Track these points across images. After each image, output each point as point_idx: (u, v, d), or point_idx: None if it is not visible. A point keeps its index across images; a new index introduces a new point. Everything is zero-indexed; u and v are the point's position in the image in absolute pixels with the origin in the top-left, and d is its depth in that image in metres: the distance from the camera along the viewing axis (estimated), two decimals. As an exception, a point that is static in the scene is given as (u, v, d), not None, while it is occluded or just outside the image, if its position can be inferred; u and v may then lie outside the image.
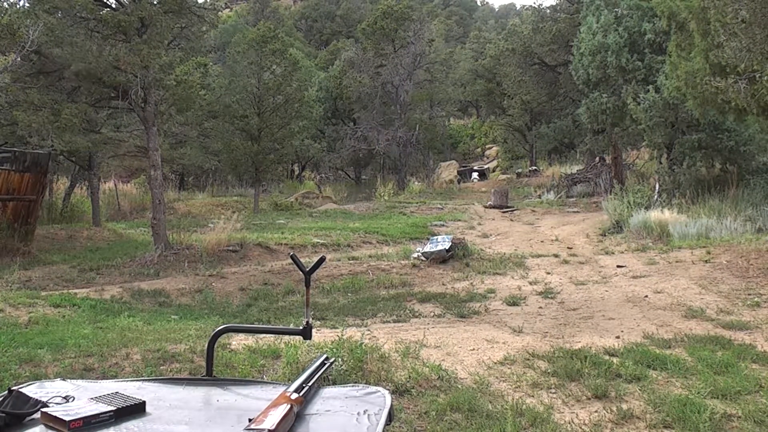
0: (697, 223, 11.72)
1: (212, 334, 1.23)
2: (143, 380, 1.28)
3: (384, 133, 29.10)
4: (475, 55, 40.89)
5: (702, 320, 6.66)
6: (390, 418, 1.08)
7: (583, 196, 21.33)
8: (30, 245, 12.50)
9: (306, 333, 1.20)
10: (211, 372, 1.24)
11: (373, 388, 1.18)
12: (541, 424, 3.98)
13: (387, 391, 1.14)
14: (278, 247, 12.27)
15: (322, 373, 1.23)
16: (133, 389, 1.29)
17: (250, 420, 0.93)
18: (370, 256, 11.38)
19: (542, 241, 13.41)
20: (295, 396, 1.09)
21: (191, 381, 1.18)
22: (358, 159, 32.36)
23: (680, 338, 5.96)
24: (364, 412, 1.05)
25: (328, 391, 1.19)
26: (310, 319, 1.20)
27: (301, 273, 1.35)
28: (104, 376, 4.78)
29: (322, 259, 1.27)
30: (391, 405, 1.11)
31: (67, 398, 1.34)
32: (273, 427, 0.91)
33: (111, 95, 12.51)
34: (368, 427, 1.01)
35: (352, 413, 1.06)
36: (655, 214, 12.76)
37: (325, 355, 1.29)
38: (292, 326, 1.26)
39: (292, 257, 1.23)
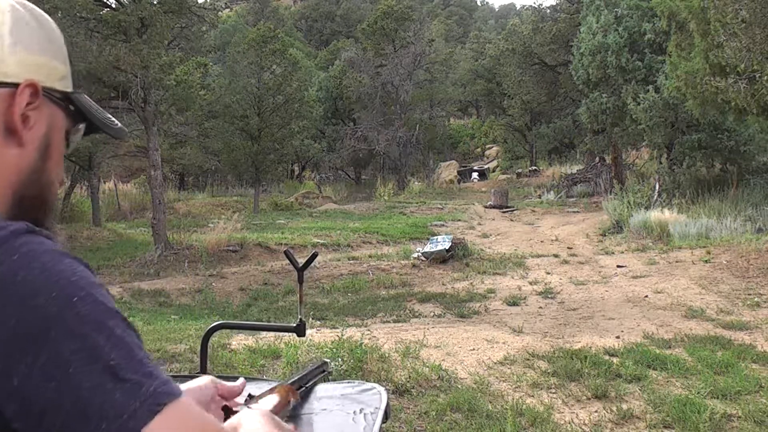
0: (697, 223, 11.71)
1: (206, 330, 1.22)
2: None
3: (384, 133, 29.09)
4: (475, 55, 40.90)
5: (702, 320, 6.66)
6: (386, 415, 1.07)
7: (583, 196, 21.32)
8: (30, 245, 12.48)
9: (300, 330, 1.18)
10: (205, 369, 1.23)
11: (368, 385, 1.17)
12: (541, 424, 3.97)
13: (383, 388, 1.13)
14: (278, 247, 12.27)
15: (319, 378, 1.22)
16: None
17: (250, 397, 0.92)
18: (370, 256, 11.38)
19: (542, 241, 13.41)
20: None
21: (186, 378, 1.17)
22: (358, 159, 32.35)
23: (680, 338, 5.95)
24: (360, 410, 1.05)
25: (323, 389, 1.19)
26: (303, 316, 1.19)
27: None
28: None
29: (314, 255, 1.25)
30: (388, 402, 1.10)
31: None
32: (272, 408, 0.91)
33: (111, 95, 12.52)
34: (365, 426, 1.01)
35: (348, 412, 1.05)
36: (655, 214, 12.76)
37: (325, 360, 1.27)
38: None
39: (285, 253, 1.21)
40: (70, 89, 0.77)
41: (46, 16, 0.77)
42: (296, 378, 1.08)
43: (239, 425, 0.75)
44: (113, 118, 0.84)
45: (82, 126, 0.79)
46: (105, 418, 0.55)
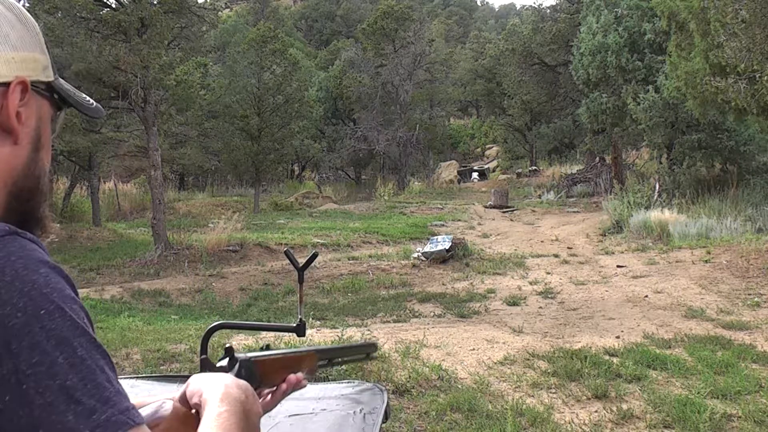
0: (697, 223, 11.71)
1: (206, 330, 1.23)
2: (136, 377, 1.27)
3: (384, 133, 29.08)
4: (475, 55, 40.87)
5: (702, 320, 6.66)
6: (386, 415, 1.07)
7: (583, 196, 21.32)
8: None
9: (300, 330, 1.18)
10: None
11: (368, 385, 1.16)
12: (541, 424, 3.97)
13: (383, 388, 1.13)
14: (278, 247, 12.27)
15: (359, 358, 1.13)
16: (127, 387, 1.28)
17: (267, 347, 0.92)
18: (370, 256, 11.37)
19: (542, 241, 13.41)
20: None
21: (185, 378, 1.16)
22: (358, 159, 32.34)
23: (680, 338, 5.95)
24: (360, 410, 1.05)
25: (322, 389, 1.18)
26: (303, 316, 1.18)
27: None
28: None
29: (314, 255, 1.24)
30: (387, 402, 1.10)
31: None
32: (269, 365, 0.89)
33: (111, 95, 12.52)
34: (364, 426, 1.00)
35: (348, 412, 1.05)
36: (655, 214, 12.75)
37: (374, 342, 1.19)
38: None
39: (286, 253, 1.21)
40: (52, 78, 0.77)
41: (20, 6, 0.75)
42: (327, 348, 1.05)
43: (204, 401, 0.73)
44: (89, 98, 0.84)
45: (63, 112, 0.80)
46: None
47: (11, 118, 0.70)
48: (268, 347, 0.93)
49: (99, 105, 0.86)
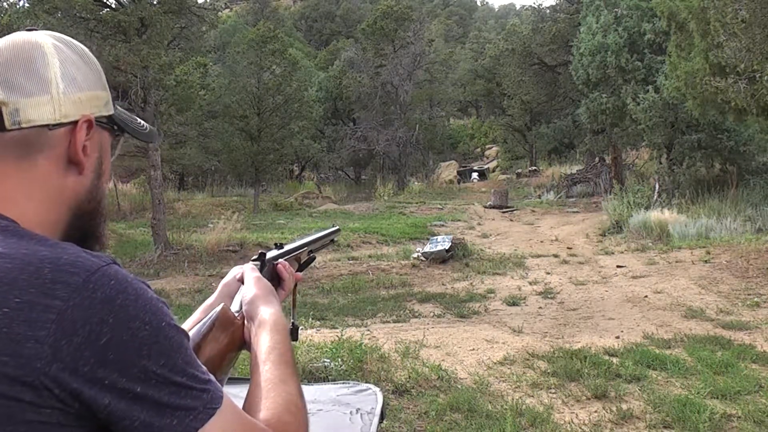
0: (696, 223, 11.71)
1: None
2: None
3: (384, 133, 29.06)
4: (474, 55, 40.88)
5: (702, 320, 6.66)
6: (382, 416, 1.06)
7: (583, 196, 21.31)
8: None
9: (293, 334, 1.19)
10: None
11: (364, 386, 1.16)
12: (541, 424, 3.97)
13: (378, 389, 1.13)
14: (278, 247, 12.24)
15: (328, 244, 1.28)
16: None
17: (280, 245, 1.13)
18: (369, 256, 11.37)
19: (542, 241, 13.40)
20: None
21: None
22: (358, 159, 32.32)
23: (680, 338, 5.95)
24: (357, 410, 1.04)
25: (318, 390, 1.18)
26: (296, 320, 1.19)
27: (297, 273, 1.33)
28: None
29: (311, 258, 1.26)
30: (384, 403, 1.10)
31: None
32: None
33: (111, 95, 12.52)
34: (362, 426, 1.00)
35: (344, 412, 1.05)
36: (654, 214, 12.75)
37: (339, 228, 1.33)
38: None
39: (276, 246, 1.21)
40: (112, 111, 0.87)
41: (83, 47, 0.86)
42: (313, 239, 1.22)
43: (260, 320, 0.95)
44: (143, 123, 0.94)
45: (122, 138, 0.91)
46: (175, 416, 0.69)
47: (78, 152, 0.79)
48: (281, 246, 1.10)
49: (153, 129, 0.96)
